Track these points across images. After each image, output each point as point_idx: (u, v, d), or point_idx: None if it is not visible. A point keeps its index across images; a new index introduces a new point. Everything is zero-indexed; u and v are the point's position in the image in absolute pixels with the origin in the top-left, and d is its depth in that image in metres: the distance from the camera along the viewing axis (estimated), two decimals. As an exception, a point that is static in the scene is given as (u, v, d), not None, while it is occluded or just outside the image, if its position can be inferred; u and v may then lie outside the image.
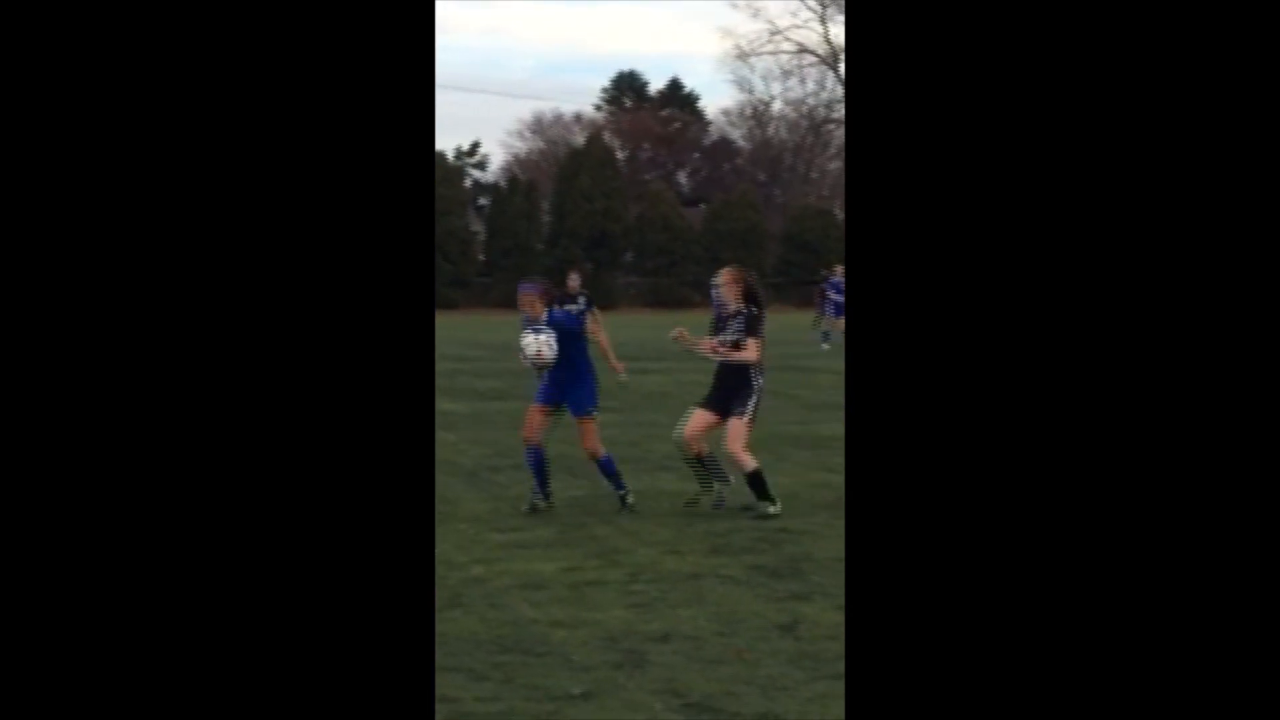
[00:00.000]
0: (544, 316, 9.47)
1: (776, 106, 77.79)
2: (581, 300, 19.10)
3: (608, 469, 9.52)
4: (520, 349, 9.45)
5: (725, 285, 9.53)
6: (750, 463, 9.19)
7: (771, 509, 9.05)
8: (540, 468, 9.51)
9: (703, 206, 66.87)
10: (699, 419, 9.39)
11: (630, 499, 9.45)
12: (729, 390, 9.35)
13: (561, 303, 19.56)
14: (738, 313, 9.42)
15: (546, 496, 9.48)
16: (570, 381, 9.49)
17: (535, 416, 9.55)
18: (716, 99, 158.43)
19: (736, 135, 79.20)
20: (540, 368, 9.42)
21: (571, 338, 9.59)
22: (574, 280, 20.04)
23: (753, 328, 9.37)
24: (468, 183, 68.04)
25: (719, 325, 9.50)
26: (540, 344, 9.31)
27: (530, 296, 9.57)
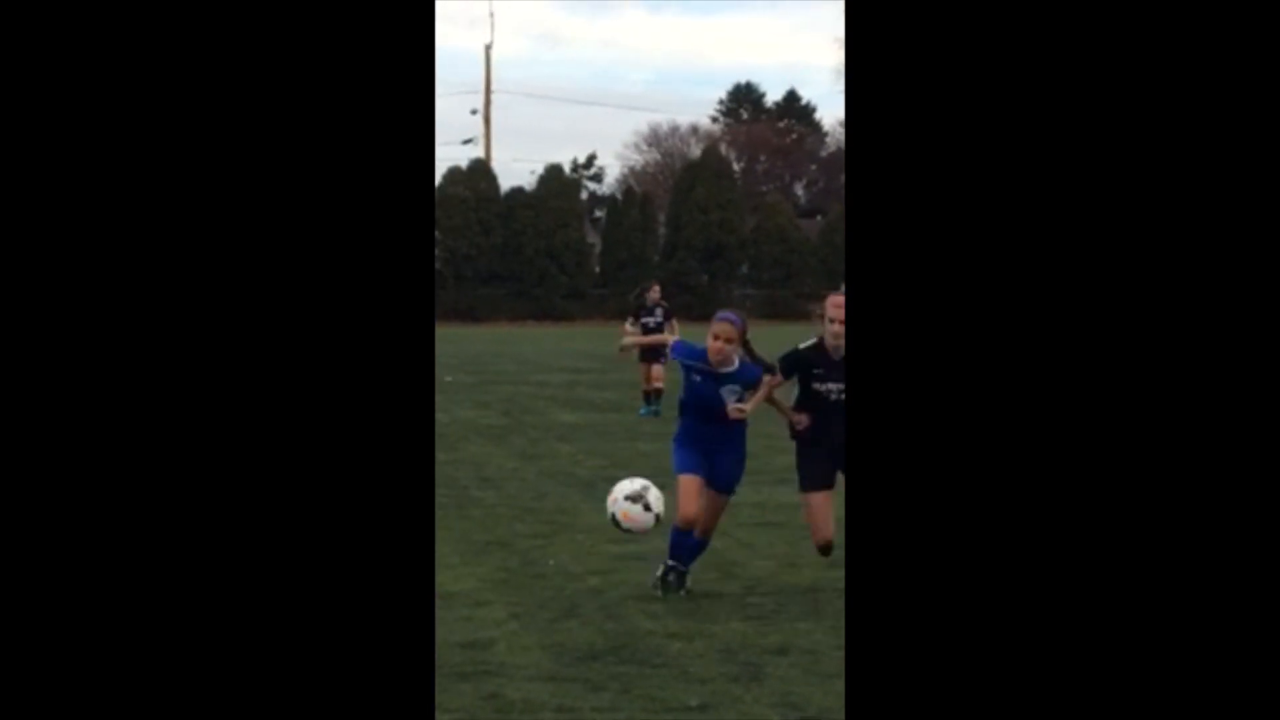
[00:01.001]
0: (735, 364, 7.06)
1: (894, 117, 77.09)
2: (659, 312, 18.64)
3: (683, 545, 7.18)
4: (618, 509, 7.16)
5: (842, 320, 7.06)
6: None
7: None
8: (692, 551, 7.26)
9: (820, 218, 66.61)
10: (826, 506, 7.26)
11: (687, 584, 7.21)
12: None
13: (637, 315, 19.04)
14: None
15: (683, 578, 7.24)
16: (721, 443, 7.14)
17: (693, 488, 7.08)
18: (834, 110, 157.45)
19: (853, 146, 78.72)
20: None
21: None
22: (654, 291, 19.44)
23: None
24: (584, 195, 68.49)
25: (825, 373, 7.20)
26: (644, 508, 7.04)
27: (732, 332, 7.02)
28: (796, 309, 56.75)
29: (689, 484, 7.07)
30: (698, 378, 7.09)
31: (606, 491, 7.01)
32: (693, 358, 7.12)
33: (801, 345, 7.37)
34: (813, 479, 7.28)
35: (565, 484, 11.17)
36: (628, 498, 7.13)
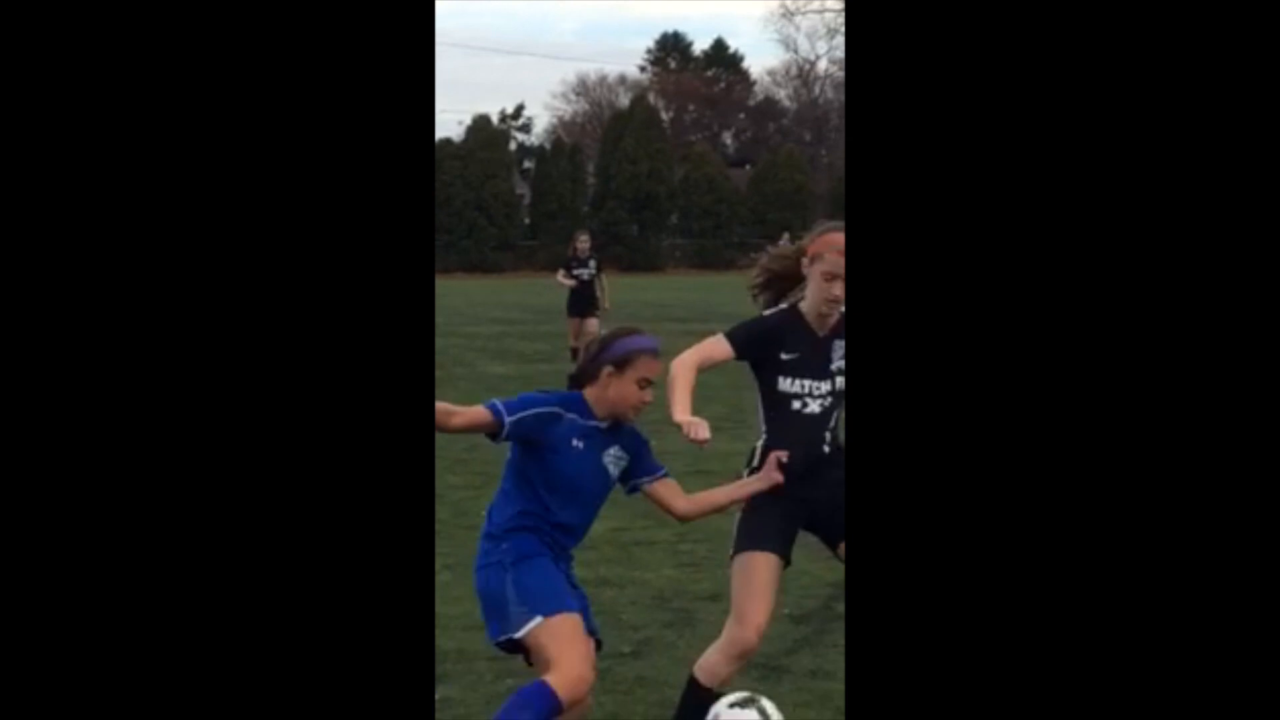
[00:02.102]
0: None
1: (822, 65, 77.49)
2: (592, 264, 17.13)
3: None
4: None
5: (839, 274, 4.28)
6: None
7: None
8: None
9: (748, 167, 66.75)
10: (769, 576, 4.60)
11: None
12: (834, 499, 4.24)
13: (568, 267, 17.26)
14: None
15: None
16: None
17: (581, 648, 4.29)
18: (762, 59, 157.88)
19: (782, 95, 78.95)
20: None
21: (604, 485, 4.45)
22: (583, 241, 17.56)
23: None
24: (512, 146, 68.12)
25: (801, 359, 4.44)
26: None
27: (652, 363, 4.31)
28: (726, 259, 56.83)
29: (576, 630, 4.25)
30: (579, 443, 4.31)
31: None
32: (570, 407, 4.34)
33: (768, 312, 4.59)
34: (753, 537, 4.62)
35: (496, 435, 11.14)
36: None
